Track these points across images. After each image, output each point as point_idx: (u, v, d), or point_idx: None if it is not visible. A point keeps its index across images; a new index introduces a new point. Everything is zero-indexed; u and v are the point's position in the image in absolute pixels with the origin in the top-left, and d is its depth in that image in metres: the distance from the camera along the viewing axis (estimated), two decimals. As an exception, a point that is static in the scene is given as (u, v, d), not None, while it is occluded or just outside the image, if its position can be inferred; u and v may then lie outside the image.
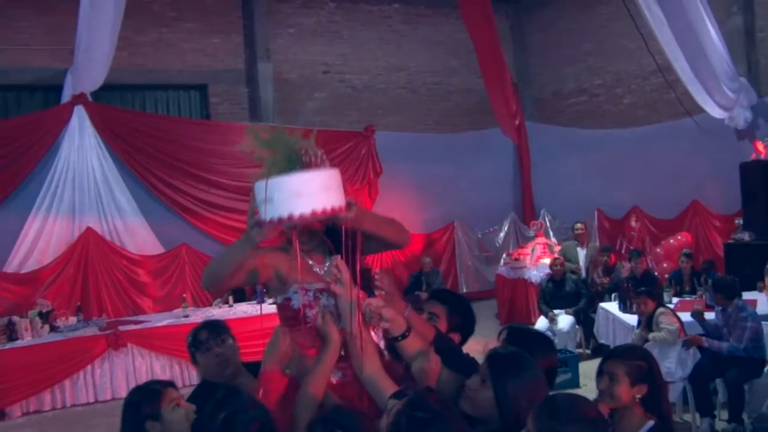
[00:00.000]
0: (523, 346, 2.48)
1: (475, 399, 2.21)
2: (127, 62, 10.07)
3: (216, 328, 3.02)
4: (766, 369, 5.54)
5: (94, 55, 8.34)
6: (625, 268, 8.20)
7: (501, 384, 2.15)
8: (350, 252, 2.38)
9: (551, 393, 2.17)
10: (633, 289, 6.89)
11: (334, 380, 2.52)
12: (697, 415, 5.58)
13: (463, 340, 2.76)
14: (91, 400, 7.53)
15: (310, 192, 2.19)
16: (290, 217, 2.18)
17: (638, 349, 3.05)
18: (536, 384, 2.18)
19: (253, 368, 2.88)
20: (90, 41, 8.14)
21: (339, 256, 2.40)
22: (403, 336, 2.37)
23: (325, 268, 2.61)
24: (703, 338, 5.39)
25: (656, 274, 8.49)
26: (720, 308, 5.70)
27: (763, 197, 8.62)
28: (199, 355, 2.97)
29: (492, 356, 2.25)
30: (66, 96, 8.89)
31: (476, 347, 2.73)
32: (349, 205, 2.32)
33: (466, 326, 2.68)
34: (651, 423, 2.58)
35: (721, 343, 5.32)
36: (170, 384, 2.49)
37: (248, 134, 2.43)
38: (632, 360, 2.71)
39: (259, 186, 2.22)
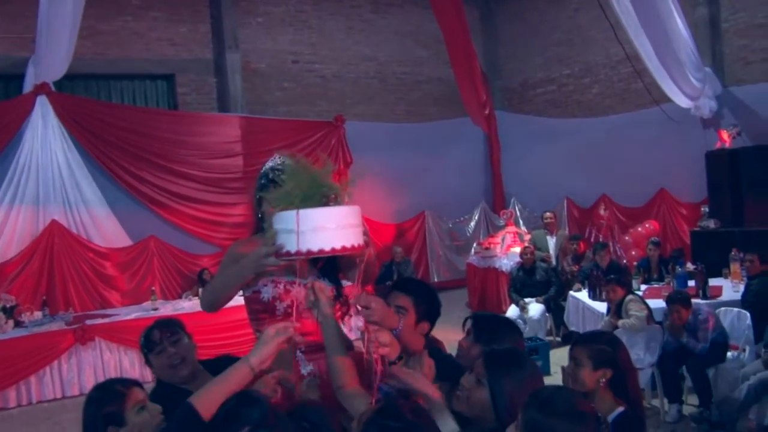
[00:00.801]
0: (490, 333, 2.53)
1: (470, 398, 2.18)
2: (91, 51, 9.89)
3: (169, 327, 2.86)
4: (729, 353, 5.65)
5: (56, 43, 8.14)
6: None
7: (498, 383, 2.12)
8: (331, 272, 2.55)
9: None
10: (602, 277, 6.97)
11: (305, 373, 2.50)
12: (666, 401, 5.67)
13: (432, 326, 2.74)
14: (59, 395, 7.41)
15: (338, 227, 2.14)
16: (320, 251, 2.13)
17: (605, 334, 3.07)
18: (533, 382, 2.15)
19: (214, 365, 2.79)
20: (51, 29, 7.95)
21: (313, 281, 2.39)
22: (400, 358, 2.30)
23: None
24: (684, 333, 5.46)
25: (622, 264, 8.59)
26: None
27: (728, 185, 8.77)
28: (153, 357, 2.81)
29: (489, 355, 2.22)
30: (28, 86, 8.69)
31: (448, 336, 2.73)
32: (366, 243, 2.30)
33: (432, 312, 2.66)
34: (620, 409, 2.60)
35: (697, 342, 5.41)
36: (135, 383, 2.35)
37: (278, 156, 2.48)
38: (596, 344, 2.74)
39: (286, 216, 2.14)
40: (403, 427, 1.80)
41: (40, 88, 8.64)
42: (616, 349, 2.74)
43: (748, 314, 5.81)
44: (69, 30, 8.06)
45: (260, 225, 2.64)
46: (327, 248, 2.11)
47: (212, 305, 2.61)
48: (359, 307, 2.26)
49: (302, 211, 2.10)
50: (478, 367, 2.19)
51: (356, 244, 2.18)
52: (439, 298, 2.70)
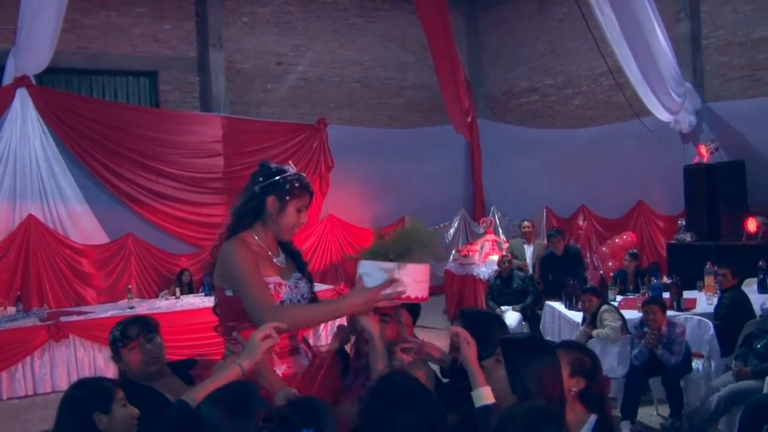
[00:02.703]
0: (480, 324, 2.72)
1: (491, 377, 2.35)
2: (73, 45, 9.80)
3: (147, 325, 2.90)
4: (694, 364, 5.72)
5: (38, 36, 8.05)
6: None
7: (512, 363, 2.32)
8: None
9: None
10: (578, 286, 7.03)
11: (280, 372, 2.50)
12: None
13: (415, 318, 2.90)
14: (30, 392, 7.30)
15: (419, 280, 2.46)
16: (408, 299, 2.44)
17: (587, 347, 3.11)
18: (548, 365, 2.35)
19: (179, 367, 2.85)
20: (34, 21, 7.86)
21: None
22: None
23: (282, 259, 2.67)
24: (660, 346, 5.49)
25: (578, 246, 8.78)
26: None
27: (705, 199, 8.89)
28: (126, 351, 2.83)
29: (505, 340, 2.45)
30: (8, 78, 8.58)
31: (430, 341, 2.74)
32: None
33: (414, 307, 2.80)
34: (594, 418, 2.62)
35: (671, 356, 5.44)
36: (118, 383, 2.46)
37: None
38: (578, 353, 2.77)
39: (381, 266, 2.43)
40: (401, 392, 2.02)
41: (20, 81, 8.54)
42: (595, 363, 2.78)
43: (711, 324, 5.89)
44: (52, 23, 7.99)
45: (250, 219, 2.62)
46: (413, 296, 2.44)
47: (286, 330, 2.53)
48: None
49: (411, 265, 2.43)
50: (498, 352, 2.39)
51: (424, 296, 2.52)
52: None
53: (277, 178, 2.61)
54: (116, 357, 2.89)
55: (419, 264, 2.46)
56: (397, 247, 2.47)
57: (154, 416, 2.31)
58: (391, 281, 2.37)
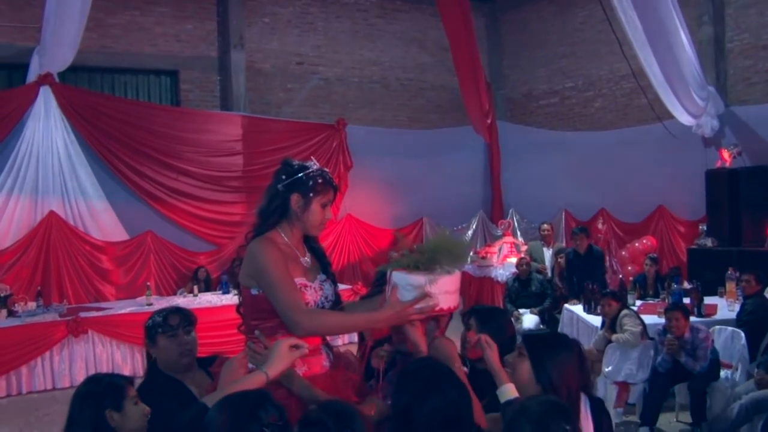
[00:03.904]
0: (492, 320, 3.03)
1: (515, 371, 2.52)
2: (96, 44, 9.88)
3: (188, 318, 2.97)
4: (722, 372, 5.65)
5: (63, 34, 8.15)
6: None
7: (537, 356, 2.50)
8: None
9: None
10: (597, 290, 6.98)
11: (300, 373, 2.49)
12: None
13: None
14: (49, 387, 7.39)
15: (450, 291, 2.48)
16: (440, 310, 2.46)
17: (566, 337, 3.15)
18: (568, 356, 2.52)
19: (206, 363, 2.85)
20: (58, 20, 7.96)
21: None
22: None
23: (308, 259, 2.66)
24: (682, 353, 5.42)
25: (601, 249, 8.70)
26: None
27: (727, 204, 8.79)
28: (164, 339, 2.86)
29: (526, 335, 2.69)
30: (32, 76, 8.69)
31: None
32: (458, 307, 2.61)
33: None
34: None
35: (695, 363, 5.37)
36: (130, 381, 2.46)
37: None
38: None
39: (416, 278, 2.43)
40: (432, 374, 2.16)
41: (44, 79, 8.64)
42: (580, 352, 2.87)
43: (743, 333, 5.81)
44: (76, 21, 8.08)
45: (276, 218, 2.61)
46: (445, 307, 2.46)
47: (315, 334, 2.54)
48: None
49: (442, 278, 2.44)
50: (520, 346, 2.58)
51: (456, 306, 2.55)
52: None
53: (299, 175, 2.58)
54: (151, 343, 2.91)
55: (450, 275, 2.46)
56: (425, 260, 2.46)
57: (177, 408, 2.34)
58: (424, 296, 2.38)
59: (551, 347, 2.53)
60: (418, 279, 2.41)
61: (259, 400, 1.94)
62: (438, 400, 2.08)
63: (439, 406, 2.07)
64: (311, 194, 2.56)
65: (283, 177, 2.61)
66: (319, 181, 2.58)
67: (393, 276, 2.46)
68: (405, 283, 2.42)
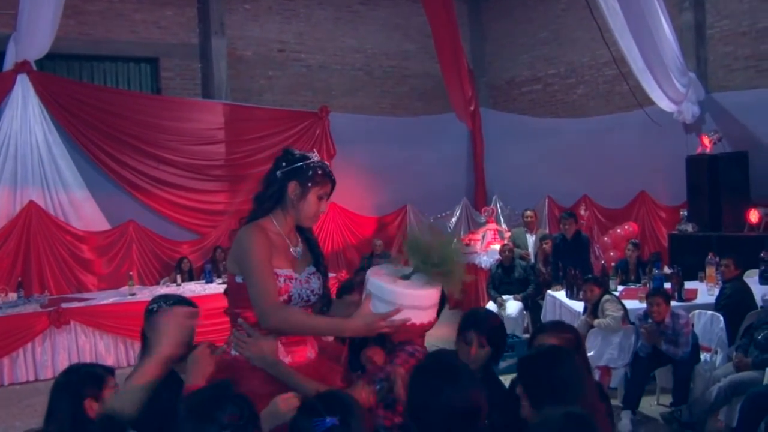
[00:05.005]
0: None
1: (524, 407, 2.34)
2: (74, 31, 9.75)
3: (194, 309, 2.95)
4: (702, 355, 5.73)
5: (39, 21, 8.02)
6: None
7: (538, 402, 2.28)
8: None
9: None
10: (580, 276, 7.03)
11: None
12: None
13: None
14: (31, 378, 7.35)
15: (427, 306, 2.41)
16: (412, 325, 2.38)
17: (565, 324, 3.19)
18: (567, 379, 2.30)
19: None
20: (34, 6, 7.83)
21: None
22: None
23: (299, 249, 2.63)
24: (662, 341, 5.47)
25: (587, 235, 8.77)
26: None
27: (707, 190, 8.86)
28: None
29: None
30: (8, 63, 8.55)
31: (432, 331, 2.71)
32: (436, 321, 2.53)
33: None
34: None
35: (676, 349, 5.43)
36: (112, 372, 2.46)
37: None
38: (563, 333, 2.87)
39: (393, 291, 2.36)
40: (448, 368, 2.18)
41: (21, 67, 8.52)
42: (578, 338, 2.93)
43: (722, 317, 5.88)
44: (52, 8, 7.96)
45: (271, 204, 2.59)
46: (418, 322, 2.38)
47: (277, 332, 2.50)
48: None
49: (422, 291, 2.38)
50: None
51: (430, 322, 2.47)
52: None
53: (300, 164, 2.58)
54: (150, 328, 2.91)
55: (431, 288, 2.42)
56: (435, 262, 2.43)
57: (166, 394, 2.34)
58: (396, 310, 2.34)
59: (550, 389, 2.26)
60: (395, 291, 2.35)
61: (217, 399, 1.90)
62: (455, 393, 2.08)
63: (456, 399, 2.08)
64: (309, 184, 2.56)
65: (283, 164, 2.60)
66: (319, 172, 2.58)
67: (369, 283, 2.42)
68: (380, 294, 2.36)
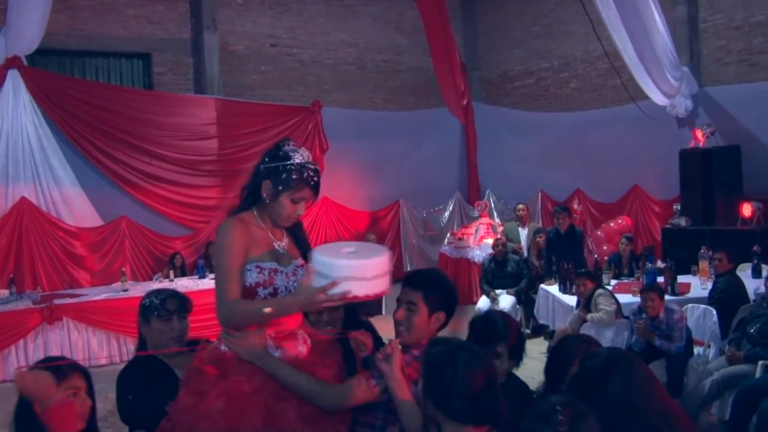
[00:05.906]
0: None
1: None
2: (66, 26, 9.69)
3: (185, 305, 3.00)
4: (696, 349, 5.74)
5: (29, 16, 7.94)
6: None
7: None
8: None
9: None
10: (573, 270, 7.04)
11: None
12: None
13: (450, 315, 2.64)
14: (24, 375, 7.30)
15: (374, 276, 2.33)
16: (355, 297, 2.30)
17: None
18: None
19: (191, 346, 2.86)
20: (24, 1, 7.77)
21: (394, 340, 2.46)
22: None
23: (284, 245, 2.58)
24: (655, 337, 5.47)
25: (581, 229, 8.79)
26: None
27: (700, 184, 8.88)
28: (158, 321, 2.90)
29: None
30: (-1, 59, 8.51)
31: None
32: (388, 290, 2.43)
33: (446, 301, 2.60)
34: None
35: (670, 344, 5.43)
36: (82, 371, 2.43)
37: None
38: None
39: (330, 264, 2.30)
40: (461, 343, 2.20)
41: (12, 62, 8.45)
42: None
43: (715, 311, 5.90)
44: (42, 2, 7.88)
45: (251, 199, 2.55)
46: (361, 294, 2.30)
47: (233, 326, 2.46)
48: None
49: (366, 262, 2.31)
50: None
51: (383, 291, 2.37)
52: (452, 285, 2.70)
53: (278, 164, 2.50)
54: (144, 322, 2.95)
55: (374, 258, 2.35)
56: None
57: (159, 389, 2.39)
58: (334, 282, 2.26)
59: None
60: (332, 264, 2.29)
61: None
62: (471, 362, 2.08)
63: (473, 369, 2.07)
64: (280, 187, 2.48)
65: (266, 159, 2.54)
66: (294, 176, 2.48)
67: (311, 258, 2.36)
68: (320, 268, 2.31)
